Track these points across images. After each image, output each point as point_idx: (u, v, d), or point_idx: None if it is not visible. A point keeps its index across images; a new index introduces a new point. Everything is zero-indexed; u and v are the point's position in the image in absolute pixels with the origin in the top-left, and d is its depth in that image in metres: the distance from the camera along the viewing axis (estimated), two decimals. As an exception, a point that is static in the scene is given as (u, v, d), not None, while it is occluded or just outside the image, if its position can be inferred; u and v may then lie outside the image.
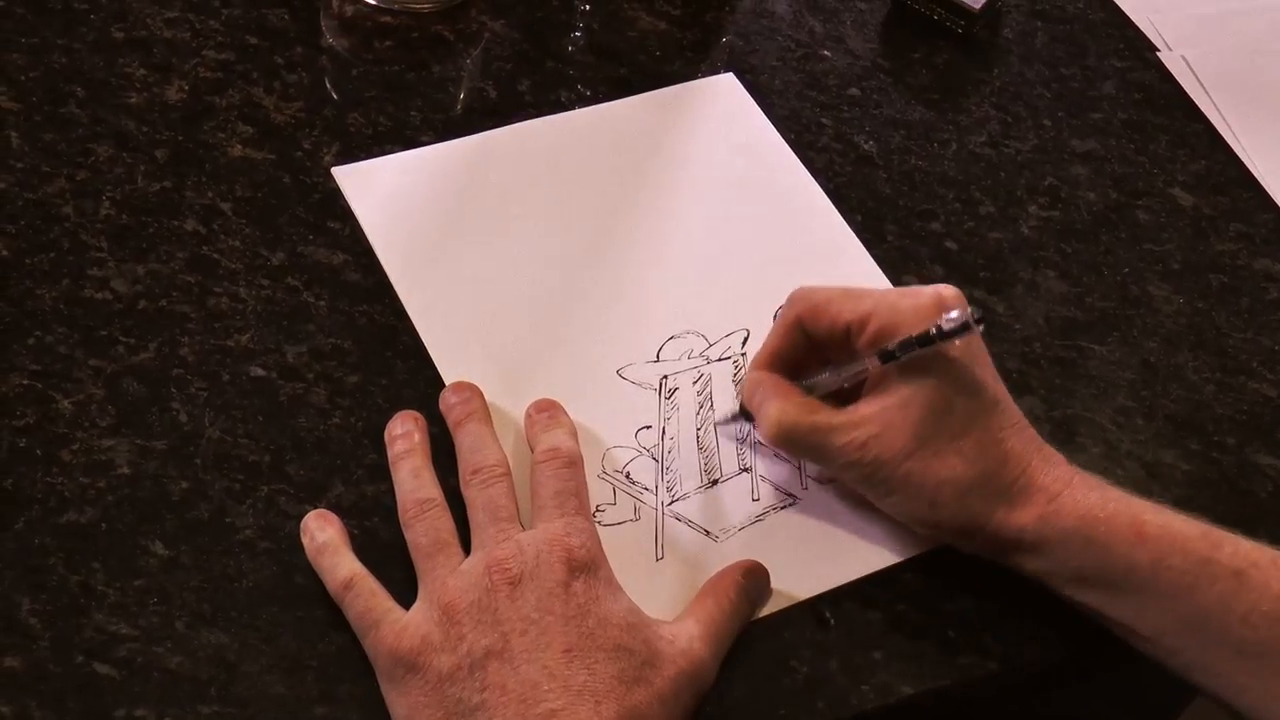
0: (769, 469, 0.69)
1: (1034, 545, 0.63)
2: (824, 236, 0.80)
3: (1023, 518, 0.62)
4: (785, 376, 0.67)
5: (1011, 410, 0.65)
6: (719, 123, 0.84)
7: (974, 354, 0.64)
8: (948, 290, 0.64)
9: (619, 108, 0.84)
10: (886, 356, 0.63)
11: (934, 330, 0.61)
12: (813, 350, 0.67)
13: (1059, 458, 0.65)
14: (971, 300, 0.77)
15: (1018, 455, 0.63)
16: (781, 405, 0.65)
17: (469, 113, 0.82)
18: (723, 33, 0.90)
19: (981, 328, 0.62)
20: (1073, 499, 0.63)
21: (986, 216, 0.83)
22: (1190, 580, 0.60)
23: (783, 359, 0.67)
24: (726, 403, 0.71)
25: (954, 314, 0.61)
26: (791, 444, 0.66)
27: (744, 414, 0.69)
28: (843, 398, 0.66)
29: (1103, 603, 0.63)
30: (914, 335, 0.62)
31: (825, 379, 0.66)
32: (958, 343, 0.62)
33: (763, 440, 0.68)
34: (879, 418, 0.63)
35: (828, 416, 0.64)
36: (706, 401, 0.71)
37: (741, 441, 0.70)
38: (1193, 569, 0.61)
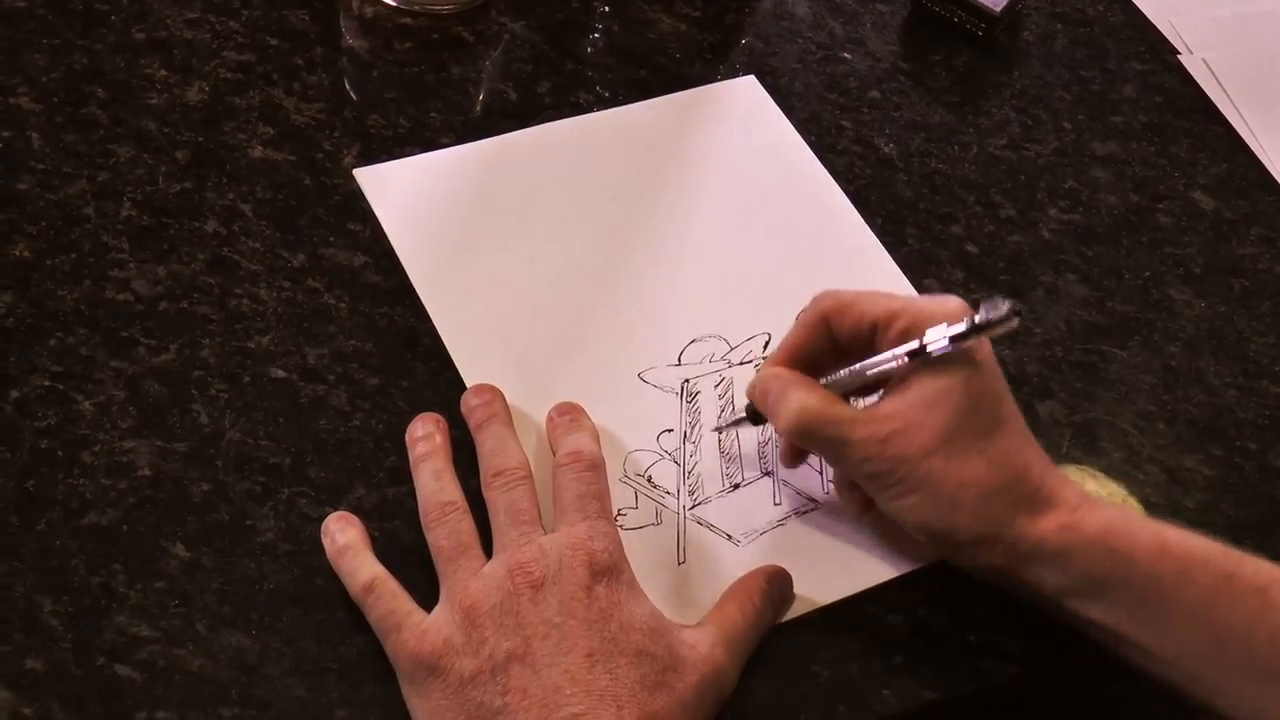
0: (791, 473, 0.69)
1: (1054, 555, 0.62)
2: (846, 240, 0.80)
3: (1044, 526, 0.62)
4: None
5: (1025, 426, 0.64)
6: (740, 125, 0.84)
7: (993, 365, 0.64)
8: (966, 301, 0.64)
9: (641, 110, 0.84)
10: (916, 354, 0.62)
11: (973, 323, 0.60)
12: (832, 351, 0.66)
13: (1071, 479, 0.64)
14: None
15: (1039, 466, 0.63)
16: (804, 396, 0.64)
17: (489, 114, 0.82)
18: (742, 34, 0.90)
19: (1018, 321, 0.61)
20: (1093, 511, 0.62)
21: (1007, 220, 0.83)
22: (1213, 597, 0.60)
23: (801, 357, 0.66)
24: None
25: (1001, 305, 0.60)
26: (811, 436, 0.64)
27: (751, 416, 0.68)
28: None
29: (1123, 621, 0.61)
30: (949, 330, 0.61)
31: (845, 376, 0.65)
32: (983, 347, 0.62)
33: (779, 433, 0.67)
34: (902, 414, 0.62)
35: (850, 411, 0.64)
36: (728, 405, 0.71)
37: (763, 444, 0.70)
38: (1216, 584, 0.60)
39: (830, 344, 0.66)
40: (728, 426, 0.70)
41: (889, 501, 0.63)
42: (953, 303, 0.63)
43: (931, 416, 0.61)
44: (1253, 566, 0.60)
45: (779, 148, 0.83)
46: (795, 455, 0.69)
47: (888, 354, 0.63)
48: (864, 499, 0.66)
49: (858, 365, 0.64)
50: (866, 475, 0.64)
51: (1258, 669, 0.59)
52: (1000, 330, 0.61)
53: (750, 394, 0.67)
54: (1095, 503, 0.63)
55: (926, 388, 0.62)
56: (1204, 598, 0.60)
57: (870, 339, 0.64)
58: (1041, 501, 0.62)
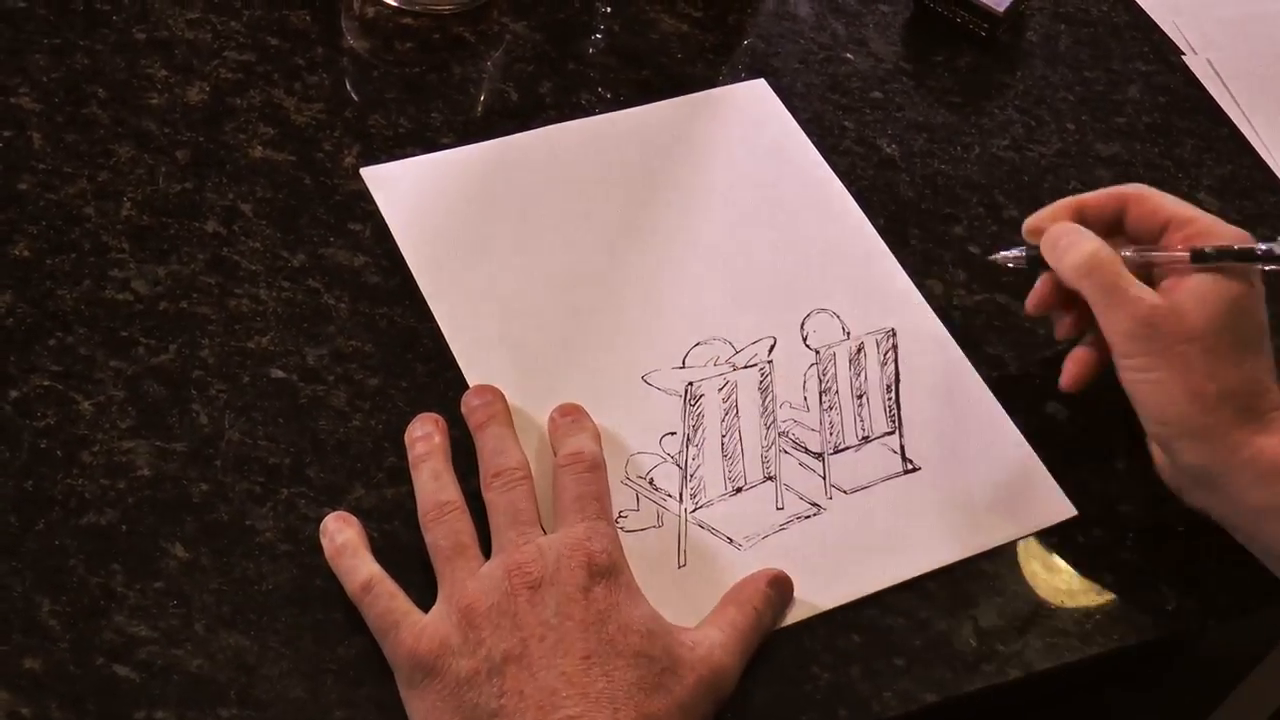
0: (793, 478, 0.69)
1: (1265, 473, 0.63)
2: (854, 245, 0.79)
3: (1266, 441, 0.64)
4: None
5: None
6: (750, 128, 0.84)
7: (1263, 295, 0.67)
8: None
9: (651, 112, 0.83)
10: (1199, 256, 0.66)
11: (1260, 249, 0.66)
12: (1111, 231, 0.71)
13: None
14: (996, 303, 0.78)
15: (1277, 393, 0.65)
16: (1100, 245, 0.68)
17: (490, 115, 0.82)
18: (745, 35, 0.90)
19: None
20: None
21: (1010, 220, 0.83)
22: None
23: (1086, 218, 0.71)
24: (752, 411, 0.71)
25: None
26: (1096, 275, 0.67)
27: (1030, 261, 0.72)
28: None
29: None
30: (1235, 245, 0.66)
31: (1132, 254, 0.69)
32: (1260, 277, 0.67)
33: (1062, 273, 0.69)
34: (1178, 298, 0.66)
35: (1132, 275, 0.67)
36: (732, 409, 0.71)
37: (766, 448, 0.70)
38: None
39: (1114, 222, 0.71)
40: (1008, 259, 0.74)
41: (1132, 370, 0.67)
42: (1243, 231, 0.68)
43: (1203, 309, 0.65)
44: None
45: (789, 152, 0.83)
46: (1048, 300, 0.72)
47: (1169, 252, 0.68)
48: (1074, 323, 0.72)
49: (1140, 252, 0.69)
50: (1125, 334, 0.66)
51: None
52: (1273, 266, 0.66)
53: (1033, 229, 0.72)
54: None
55: (1204, 284, 0.66)
56: None
57: (1157, 233, 0.69)
58: (1271, 420, 0.64)
